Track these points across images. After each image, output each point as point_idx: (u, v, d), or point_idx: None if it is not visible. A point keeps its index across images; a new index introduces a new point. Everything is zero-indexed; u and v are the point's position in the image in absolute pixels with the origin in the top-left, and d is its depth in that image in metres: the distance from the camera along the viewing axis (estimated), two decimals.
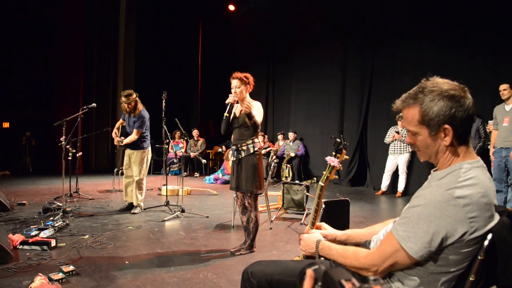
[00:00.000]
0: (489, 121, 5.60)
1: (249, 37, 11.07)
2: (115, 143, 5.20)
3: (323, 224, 1.71)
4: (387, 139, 7.03)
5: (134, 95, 5.07)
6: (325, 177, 1.66)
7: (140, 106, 5.13)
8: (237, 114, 3.54)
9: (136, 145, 5.14)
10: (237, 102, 3.57)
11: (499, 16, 5.92)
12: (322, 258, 1.51)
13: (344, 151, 1.61)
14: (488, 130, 5.62)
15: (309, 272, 0.70)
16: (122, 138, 5.14)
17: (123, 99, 5.03)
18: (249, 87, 3.53)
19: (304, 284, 0.70)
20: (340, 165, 1.62)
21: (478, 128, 5.71)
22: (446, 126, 1.22)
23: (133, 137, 5.05)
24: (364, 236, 1.60)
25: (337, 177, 1.80)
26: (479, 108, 5.74)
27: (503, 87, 5.07)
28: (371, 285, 0.55)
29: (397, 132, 6.84)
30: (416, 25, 7.09)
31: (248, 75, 3.54)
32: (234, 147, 3.51)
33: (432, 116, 1.23)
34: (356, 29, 8.23)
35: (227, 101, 3.45)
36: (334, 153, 1.62)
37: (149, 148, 5.31)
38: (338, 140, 1.60)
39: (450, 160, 1.27)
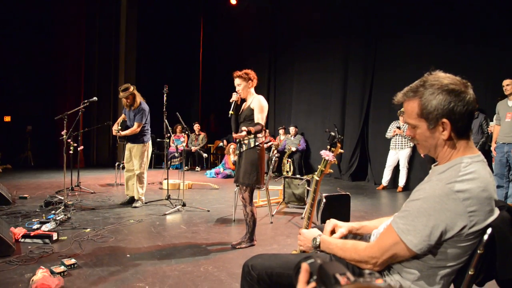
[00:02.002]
0: (491, 123, 5.57)
1: (250, 30, 11.02)
2: (114, 133, 5.20)
3: (338, 224, 1.63)
4: (388, 134, 7.02)
5: (132, 88, 5.06)
6: (320, 172, 1.66)
7: (139, 99, 5.13)
8: (239, 110, 3.59)
9: (137, 139, 5.14)
10: (242, 100, 3.62)
11: (503, 10, 5.87)
12: (319, 253, 1.51)
13: (338, 144, 1.61)
14: (489, 131, 5.59)
15: (304, 266, 0.70)
16: (120, 127, 5.13)
17: (121, 93, 5.04)
18: (251, 83, 3.55)
19: (299, 278, 0.70)
20: (335, 159, 1.61)
21: (481, 124, 5.69)
22: (444, 120, 1.22)
23: (134, 129, 5.05)
24: (375, 227, 1.58)
25: (332, 171, 1.79)
26: (481, 104, 5.72)
27: (506, 82, 5.04)
28: (366, 279, 0.55)
29: (398, 128, 6.83)
30: (418, 18, 7.04)
31: (248, 71, 3.56)
32: (237, 141, 3.55)
33: (431, 110, 1.23)
34: (358, 20, 8.18)
35: (231, 100, 3.51)
36: (328, 147, 1.61)
37: (150, 142, 5.31)
38: (333, 133, 1.59)
39: (450, 154, 1.27)
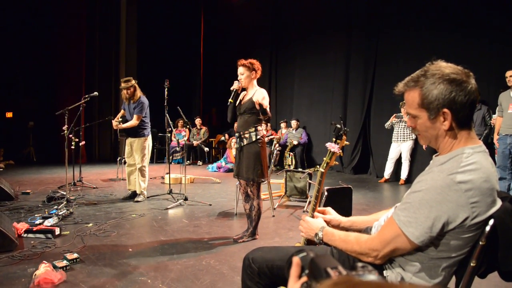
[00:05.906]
0: (493, 115, 5.54)
1: (252, 24, 10.95)
2: (114, 126, 5.19)
3: (328, 209, 1.70)
4: (387, 124, 7.01)
5: (133, 81, 5.10)
6: (325, 164, 1.65)
7: (139, 93, 5.15)
8: (241, 101, 3.54)
9: (137, 133, 5.15)
10: (243, 90, 3.57)
11: (505, 2, 5.81)
12: (313, 247, 1.51)
13: (344, 136, 1.60)
14: (492, 124, 5.56)
15: (296, 260, 0.69)
16: (120, 119, 5.13)
17: (123, 84, 5.07)
18: (255, 73, 3.50)
19: (291, 272, 0.69)
20: (341, 151, 1.61)
21: (484, 116, 5.66)
22: (445, 110, 1.20)
23: (133, 122, 5.06)
24: (368, 222, 1.59)
25: (337, 163, 1.79)
26: (484, 95, 5.68)
27: (509, 73, 4.99)
28: (358, 272, 0.53)
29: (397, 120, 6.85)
30: (420, 10, 6.97)
31: (253, 61, 3.49)
32: (237, 135, 3.52)
33: (432, 100, 1.21)
34: (359, 14, 8.12)
35: (231, 88, 3.46)
36: (334, 139, 1.61)
37: (150, 136, 5.32)
38: (338, 126, 1.58)
39: (451, 145, 1.25)
